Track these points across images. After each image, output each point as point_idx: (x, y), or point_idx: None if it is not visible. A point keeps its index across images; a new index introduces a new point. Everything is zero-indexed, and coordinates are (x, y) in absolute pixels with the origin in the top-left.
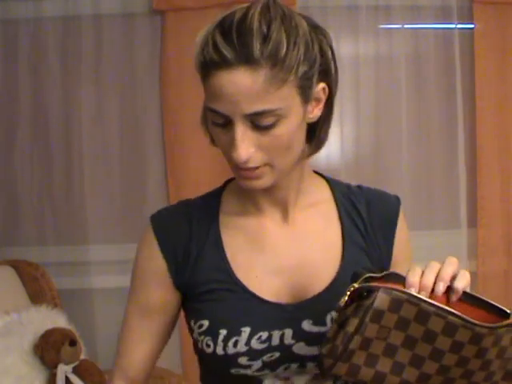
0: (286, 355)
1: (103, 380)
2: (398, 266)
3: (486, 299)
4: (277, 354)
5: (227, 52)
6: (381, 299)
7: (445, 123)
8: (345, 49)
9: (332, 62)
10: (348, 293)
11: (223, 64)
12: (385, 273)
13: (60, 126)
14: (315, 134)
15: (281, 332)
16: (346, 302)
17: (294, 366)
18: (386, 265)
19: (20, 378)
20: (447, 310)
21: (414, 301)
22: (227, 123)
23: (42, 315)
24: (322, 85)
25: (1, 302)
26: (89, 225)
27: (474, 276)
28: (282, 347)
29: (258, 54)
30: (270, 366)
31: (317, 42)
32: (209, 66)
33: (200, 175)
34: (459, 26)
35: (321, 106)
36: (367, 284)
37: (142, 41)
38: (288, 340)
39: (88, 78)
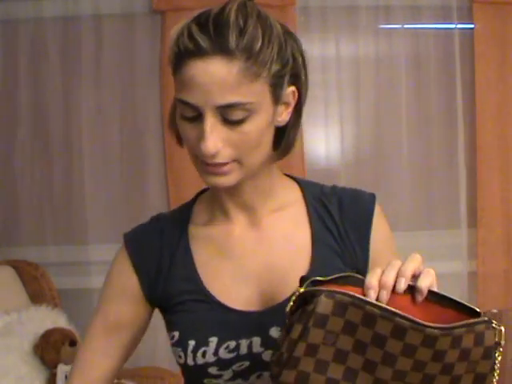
0: (256, 364)
1: None
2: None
3: (455, 299)
4: (246, 363)
5: (202, 41)
6: (323, 303)
7: (445, 123)
8: (345, 49)
9: (303, 69)
10: (293, 298)
11: (198, 53)
12: (336, 276)
13: (60, 126)
14: (283, 138)
15: (249, 340)
16: (292, 307)
17: (266, 374)
18: (362, 266)
19: (20, 378)
20: (393, 312)
21: (359, 303)
22: (197, 117)
23: (42, 315)
24: (292, 88)
25: (1, 302)
26: (89, 225)
27: (474, 276)
28: (251, 356)
29: (233, 45)
30: (242, 376)
31: (289, 45)
32: (183, 56)
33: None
34: (459, 25)
35: (290, 110)
36: (311, 288)
37: (141, 41)
38: (256, 348)
39: (88, 78)
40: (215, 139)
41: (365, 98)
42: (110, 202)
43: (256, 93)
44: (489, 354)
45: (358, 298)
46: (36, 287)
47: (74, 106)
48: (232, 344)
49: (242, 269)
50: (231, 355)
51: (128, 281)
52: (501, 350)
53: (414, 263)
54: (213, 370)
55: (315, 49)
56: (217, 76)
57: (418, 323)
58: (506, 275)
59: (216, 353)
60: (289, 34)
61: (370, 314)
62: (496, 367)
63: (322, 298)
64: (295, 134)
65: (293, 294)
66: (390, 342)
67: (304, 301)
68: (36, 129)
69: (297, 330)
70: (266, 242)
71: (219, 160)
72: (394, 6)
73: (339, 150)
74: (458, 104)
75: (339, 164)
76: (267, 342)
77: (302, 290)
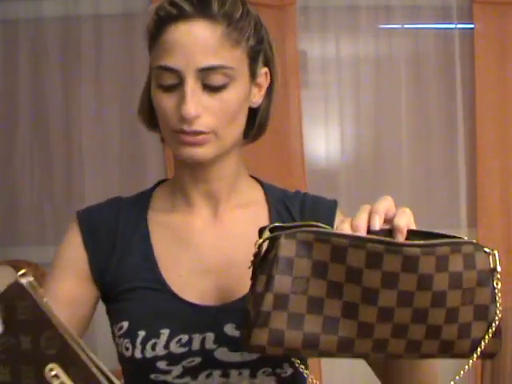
0: (207, 361)
1: None
2: None
3: (442, 232)
4: (198, 359)
5: (185, 5)
6: (285, 245)
7: (445, 123)
8: (345, 49)
9: (271, 55)
10: (254, 251)
11: (181, 16)
12: (299, 223)
13: (60, 126)
14: (255, 121)
15: (202, 336)
16: (254, 262)
17: (216, 373)
18: None
19: None
20: (363, 238)
21: (324, 238)
22: (176, 85)
23: None
24: (265, 69)
25: None
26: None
27: None
28: (203, 352)
29: (215, 9)
30: (191, 373)
31: (263, 28)
32: (164, 21)
33: None
34: (459, 25)
35: (262, 92)
36: (271, 235)
37: (141, 41)
38: (209, 344)
39: (88, 78)
40: (196, 103)
41: (365, 98)
42: None
43: (236, 59)
44: (485, 281)
45: (322, 232)
46: None
47: (74, 105)
48: (184, 338)
49: (200, 261)
50: (183, 350)
51: (76, 257)
52: (498, 277)
53: (385, 202)
54: (161, 365)
55: (315, 49)
56: (200, 37)
57: (393, 243)
58: (506, 275)
59: (167, 346)
60: (261, 22)
61: (339, 247)
62: (497, 297)
63: (282, 240)
64: (267, 118)
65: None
66: (366, 274)
67: (266, 252)
68: (36, 129)
69: (261, 281)
70: (226, 237)
71: (198, 127)
72: (394, 6)
73: (339, 150)
74: (457, 104)
75: (339, 164)
76: (221, 339)
77: (261, 240)
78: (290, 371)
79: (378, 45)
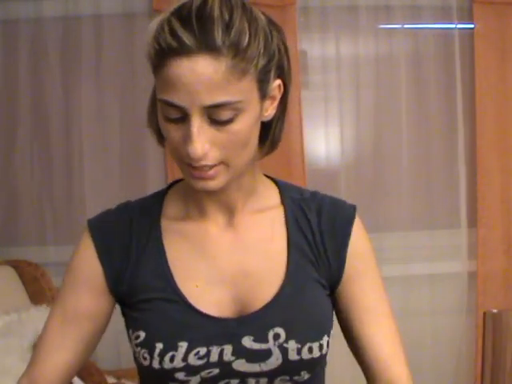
0: (226, 372)
1: (103, 380)
2: (351, 281)
3: None
4: (216, 371)
5: (187, 38)
6: None
7: (445, 123)
8: (345, 49)
9: (286, 60)
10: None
11: (183, 51)
12: None
13: (60, 126)
14: (269, 133)
15: (220, 348)
16: None
17: (234, 381)
18: (336, 277)
19: None
20: None
21: None
22: (182, 118)
23: (42, 315)
24: (277, 81)
25: (1, 302)
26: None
27: (473, 276)
28: (221, 363)
29: (219, 41)
30: (209, 382)
31: (274, 36)
32: (165, 54)
33: None
34: (459, 26)
35: (275, 104)
36: None
37: (141, 41)
38: (228, 356)
39: (88, 78)
40: (202, 141)
41: (365, 98)
42: (110, 201)
43: (244, 90)
44: None
45: None
46: (36, 287)
47: (74, 106)
48: (203, 350)
49: (216, 271)
50: (201, 362)
51: (91, 270)
52: None
53: None
54: (180, 376)
55: (315, 49)
56: (204, 75)
57: None
58: (505, 275)
59: (185, 358)
60: (273, 25)
61: None
62: None
63: None
64: (281, 128)
65: None
66: None
67: None
68: (36, 129)
69: None
70: (241, 245)
71: (206, 162)
72: (394, 6)
73: (339, 149)
74: (457, 104)
75: (339, 164)
76: (239, 351)
77: None
78: (307, 376)
79: (378, 45)
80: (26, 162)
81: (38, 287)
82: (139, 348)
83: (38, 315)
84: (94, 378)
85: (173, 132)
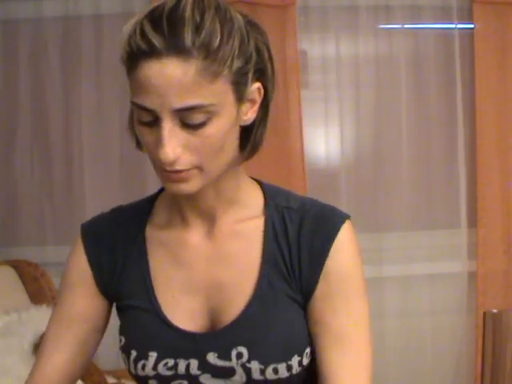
0: None
1: (103, 380)
2: (322, 300)
3: None
4: (185, 382)
5: (156, 41)
6: None
7: (445, 123)
8: (345, 49)
9: (269, 63)
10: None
11: (152, 53)
12: None
13: (60, 126)
14: (249, 138)
15: (187, 361)
16: None
17: None
18: (307, 294)
19: (20, 378)
20: None
21: None
22: (154, 121)
23: (42, 315)
24: (257, 84)
25: (1, 302)
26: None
27: (473, 276)
28: (189, 376)
29: (189, 43)
30: None
31: (252, 38)
32: (136, 56)
33: None
34: (459, 26)
35: (256, 107)
36: None
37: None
38: (194, 370)
39: (88, 78)
40: (174, 145)
41: (365, 98)
42: (110, 202)
43: (217, 93)
44: None
45: None
46: (36, 287)
47: (74, 106)
48: (171, 362)
49: (192, 281)
50: (170, 373)
51: (83, 274)
52: None
53: None
54: (153, 383)
55: (315, 49)
56: (173, 78)
57: None
58: (505, 275)
59: (155, 368)
60: (253, 26)
61: None
62: None
63: None
64: (263, 133)
65: None
66: None
67: None
68: (36, 129)
69: None
70: (218, 256)
71: (179, 167)
72: (394, 6)
73: (339, 149)
74: (457, 104)
75: (339, 164)
76: (204, 366)
77: None
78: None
79: (378, 45)
80: (26, 162)
81: (38, 287)
82: (121, 352)
83: (38, 315)
84: (94, 378)
85: (146, 136)
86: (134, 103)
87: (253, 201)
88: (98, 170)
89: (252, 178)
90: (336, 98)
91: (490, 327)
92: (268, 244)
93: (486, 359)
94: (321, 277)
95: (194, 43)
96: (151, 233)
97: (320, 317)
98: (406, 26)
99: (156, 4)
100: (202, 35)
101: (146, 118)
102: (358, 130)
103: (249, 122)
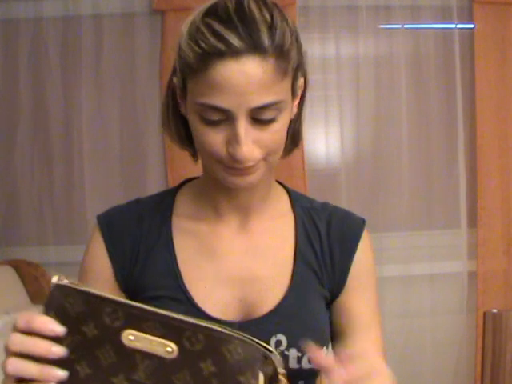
0: None
1: None
2: (351, 294)
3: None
4: None
5: (233, 40)
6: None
7: (445, 123)
8: (345, 49)
9: (304, 57)
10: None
11: (230, 53)
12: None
13: (60, 126)
14: (288, 131)
15: None
16: None
17: None
18: (337, 288)
19: None
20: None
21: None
22: (223, 120)
23: None
24: (302, 79)
25: (1, 302)
26: (89, 225)
27: (474, 276)
28: None
29: (266, 43)
30: None
31: (300, 41)
32: (209, 57)
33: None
34: (459, 25)
35: (297, 101)
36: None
37: (141, 41)
38: None
39: (88, 78)
40: (249, 143)
41: (365, 98)
42: (110, 201)
43: (285, 90)
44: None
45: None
46: (36, 287)
47: (74, 106)
48: None
49: (225, 273)
50: None
51: (102, 267)
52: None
53: None
54: None
55: (315, 49)
56: (253, 76)
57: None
58: (506, 275)
59: None
60: (293, 23)
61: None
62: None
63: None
64: (300, 126)
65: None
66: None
67: None
68: (36, 129)
69: None
70: (252, 250)
71: (251, 163)
72: (394, 6)
73: (339, 150)
74: (457, 104)
75: (339, 164)
76: None
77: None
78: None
79: (378, 45)
80: (25, 162)
81: (38, 287)
82: None
83: None
84: None
85: (212, 134)
86: (204, 104)
87: (281, 200)
88: (98, 170)
89: (277, 181)
90: (336, 98)
91: (489, 327)
92: (300, 241)
93: (485, 359)
94: (350, 271)
95: (271, 43)
96: (178, 223)
97: (350, 308)
98: (405, 26)
99: (210, 3)
100: (277, 35)
101: (215, 117)
102: (358, 130)
103: (293, 116)
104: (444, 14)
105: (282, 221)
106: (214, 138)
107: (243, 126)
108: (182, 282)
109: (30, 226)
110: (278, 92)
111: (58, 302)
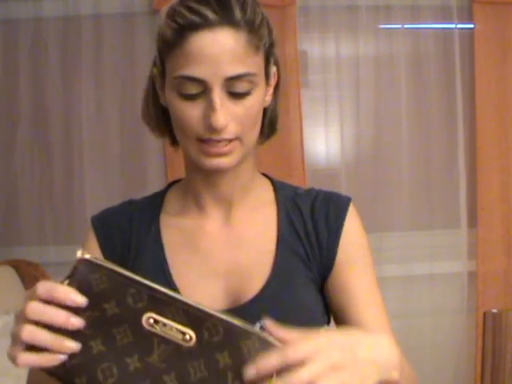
0: None
1: None
2: (343, 269)
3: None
4: None
5: (208, 13)
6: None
7: (445, 123)
8: (345, 49)
9: (278, 51)
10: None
11: (205, 24)
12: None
13: (60, 126)
14: (264, 120)
15: None
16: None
17: None
18: (328, 266)
19: (20, 378)
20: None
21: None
22: (200, 93)
23: None
24: (274, 68)
25: (1, 302)
26: (89, 225)
27: (474, 276)
28: None
29: (239, 16)
30: None
31: (273, 31)
32: (185, 30)
33: None
34: (459, 25)
35: (271, 91)
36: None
37: (141, 41)
38: None
39: (88, 78)
40: (225, 112)
41: (365, 98)
42: (111, 201)
43: (258, 65)
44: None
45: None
46: None
47: (74, 105)
48: None
49: (209, 265)
50: None
51: None
52: None
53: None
54: None
55: (315, 49)
56: (227, 46)
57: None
58: (506, 275)
59: None
60: (271, 22)
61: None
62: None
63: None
64: (277, 118)
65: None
66: None
67: None
68: (36, 128)
69: None
70: (235, 241)
71: (226, 135)
72: (394, 6)
73: (339, 150)
74: (457, 104)
75: (339, 164)
76: None
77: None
78: None
79: (378, 45)
80: (25, 162)
81: None
82: None
83: None
84: None
85: (189, 110)
86: (181, 76)
87: (264, 190)
88: (98, 170)
89: (261, 173)
90: (336, 98)
91: (489, 327)
92: (283, 228)
93: (485, 359)
94: (339, 246)
95: (242, 17)
96: (166, 221)
97: (345, 286)
98: (405, 26)
99: None
100: (248, 11)
101: (192, 89)
102: (358, 130)
103: (267, 105)
104: (444, 14)
105: (265, 210)
106: (192, 113)
107: (218, 95)
108: (171, 276)
109: (30, 225)
110: (251, 65)
111: (82, 276)
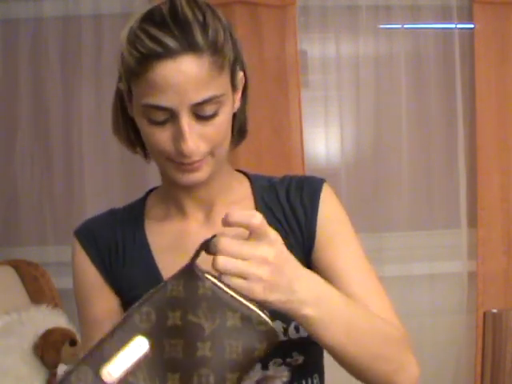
0: None
1: None
2: (325, 246)
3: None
4: None
5: (169, 41)
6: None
7: (445, 123)
8: (345, 49)
9: (241, 52)
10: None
11: (167, 54)
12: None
13: (60, 126)
14: (234, 124)
15: None
16: None
17: None
18: (309, 245)
19: (20, 378)
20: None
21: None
22: (167, 119)
23: (42, 315)
24: (241, 73)
25: (1, 302)
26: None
27: (474, 276)
28: None
29: (200, 41)
30: None
31: (233, 34)
32: (148, 59)
33: None
34: (459, 25)
35: (239, 95)
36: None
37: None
38: None
39: (88, 78)
40: (193, 137)
41: (365, 98)
42: (111, 202)
43: (224, 84)
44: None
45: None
46: (36, 287)
47: (74, 106)
48: None
49: None
50: None
51: (90, 275)
52: None
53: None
54: None
55: (315, 49)
56: (190, 74)
57: None
58: (506, 275)
59: None
60: (228, 22)
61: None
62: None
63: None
64: (245, 120)
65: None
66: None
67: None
68: (36, 129)
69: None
70: None
71: (196, 158)
72: (394, 6)
73: (339, 149)
74: (457, 104)
75: (339, 164)
76: None
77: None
78: (301, 359)
79: (378, 45)
80: (26, 162)
81: (38, 287)
82: None
83: (38, 315)
84: None
85: (158, 134)
86: (147, 105)
87: (242, 187)
88: (98, 170)
89: (237, 170)
90: (336, 98)
91: (489, 327)
92: (261, 212)
93: (485, 359)
94: (317, 224)
95: (204, 41)
96: (150, 227)
97: (329, 262)
98: (405, 26)
99: (147, 8)
100: (210, 33)
101: (160, 117)
102: (358, 130)
103: (236, 109)
104: (444, 14)
105: (244, 203)
106: (162, 137)
107: (186, 122)
108: (162, 278)
109: (30, 226)
110: (217, 86)
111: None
